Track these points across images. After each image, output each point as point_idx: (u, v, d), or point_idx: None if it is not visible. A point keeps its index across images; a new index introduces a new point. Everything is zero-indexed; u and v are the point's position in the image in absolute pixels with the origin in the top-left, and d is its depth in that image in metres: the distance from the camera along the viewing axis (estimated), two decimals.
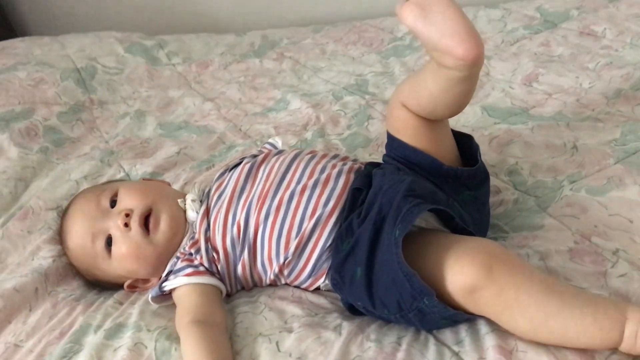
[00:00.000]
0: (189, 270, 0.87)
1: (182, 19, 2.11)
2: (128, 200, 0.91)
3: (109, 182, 1.07)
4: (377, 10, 1.88)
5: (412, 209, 0.73)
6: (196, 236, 0.90)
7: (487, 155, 1.04)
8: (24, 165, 1.29)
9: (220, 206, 0.90)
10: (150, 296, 0.88)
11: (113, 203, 0.92)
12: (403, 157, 0.85)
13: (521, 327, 0.69)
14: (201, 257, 0.88)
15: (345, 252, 0.80)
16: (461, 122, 1.17)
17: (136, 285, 0.94)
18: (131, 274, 0.92)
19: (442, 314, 0.71)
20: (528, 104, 1.19)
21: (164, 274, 0.89)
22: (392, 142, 0.87)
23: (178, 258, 0.90)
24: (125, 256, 0.89)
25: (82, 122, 1.48)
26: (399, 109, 0.83)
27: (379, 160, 1.11)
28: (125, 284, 0.93)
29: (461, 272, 0.68)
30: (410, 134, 0.84)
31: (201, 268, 0.88)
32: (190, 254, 0.89)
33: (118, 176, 1.24)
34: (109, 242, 0.90)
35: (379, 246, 0.75)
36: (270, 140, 1.05)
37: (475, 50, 0.68)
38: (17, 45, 1.77)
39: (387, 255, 0.72)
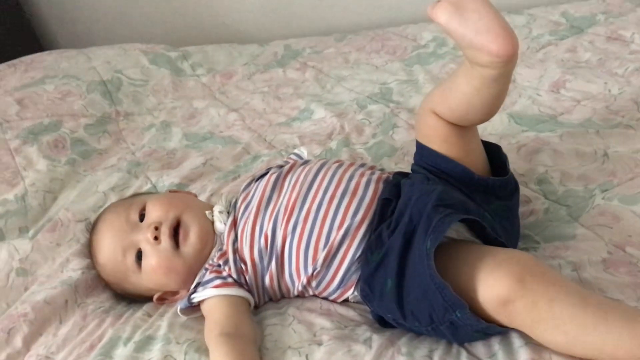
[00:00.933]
0: (218, 281, 0.87)
1: (204, 30, 2.13)
2: (156, 213, 0.91)
3: (135, 195, 1.07)
4: (400, 18, 1.87)
5: (443, 219, 0.72)
6: (224, 247, 0.91)
7: (516, 163, 1.03)
8: (52, 177, 1.30)
9: (248, 217, 0.90)
10: (179, 308, 0.89)
11: (142, 217, 0.93)
12: (434, 165, 0.84)
13: (555, 341, 0.67)
14: (229, 269, 0.88)
15: (375, 263, 0.79)
16: (488, 130, 1.16)
17: (165, 298, 0.94)
18: (161, 287, 0.92)
19: (474, 327, 0.70)
20: (556, 111, 1.17)
21: (192, 286, 0.89)
22: (422, 151, 0.86)
23: (206, 269, 0.90)
24: (155, 269, 0.90)
25: (109, 133, 1.50)
26: (429, 116, 0.82)
27: (406, 169, 1.11)
28: (155, 297, 0.93)
29: (493, 284, 0.67)
30: (440, 142, 0.83)
31: (229, 279, 0.88)
32: (219, 266, 0.89)
33: (145, 188, 1.25)
34: (139, 256, 0.91)
35: (409, 257, 0.75)
36: (295, 151, 1.05)
37: (510, 46, 0.68)
38: (44, 58, 1.79)
39: (419, 267, 0.71)
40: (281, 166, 0.97)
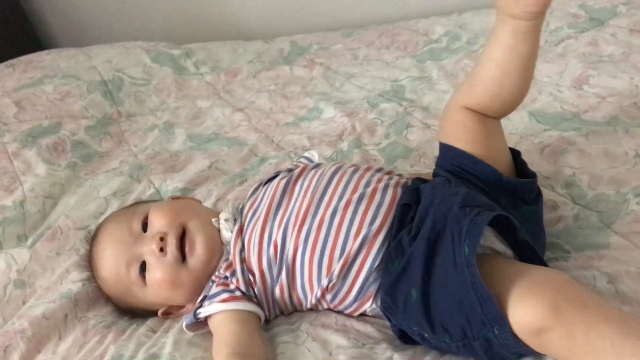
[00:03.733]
0: (225, 295, 0.82)
1: (207, 26, 2.07)
2: (160, 223, 0.86)
3: (137, 203, 1.02)
4: (409, 12, 1.81)
5: (475, 219, 0.67)
6: (230, 257, 0.85)
7: (540, 165, 0.97)
8: (52, 182, 1.25)
9: (255, 224, 0.85)
10: (184, 324, 0.83)
11: (145, 227, 0.87)
12: (460, 166, 0.80)
13: None
14: (237, 281, 0.83)
15: (397, 273, 0.74)
16: (508, 129, 1.09)
17: (171, 312, 0.89)
18: (167, 301, 0.87)
19: (511, 348, 0.64)
20: (579, 108, 1.11)
21: (198, 300, 0.84)
22: (447, 152, 0.81)
23: (213, 282, 0.85)
24: (160, 283, 0.84)
25: (110, 135, 1.44)
26: (457, 112, 0.80)
27: (422, 171, 1.06)
28: (160, 312, 0.88)
29: (525, 311, 0.61)
30: (468, 140, 0.79)
31: (237, 293, 0.82)
32: (226, 278, 0.84)
33: (148, 192, 1.19)
34: (142, 268, 0.85)
35: (435, 265, 0.70)
36: (305, 154, 0.99)
37: None
38: (43, 58, 1.74)
39: (453, 275, 0.66)
40: (291, 170, 0.92)
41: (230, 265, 0.84)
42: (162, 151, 1.36)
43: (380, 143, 1.19)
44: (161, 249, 0.84)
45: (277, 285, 0.82)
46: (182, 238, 0.85)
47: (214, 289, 0.83)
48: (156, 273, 0.84)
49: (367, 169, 0.86)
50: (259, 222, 0.84)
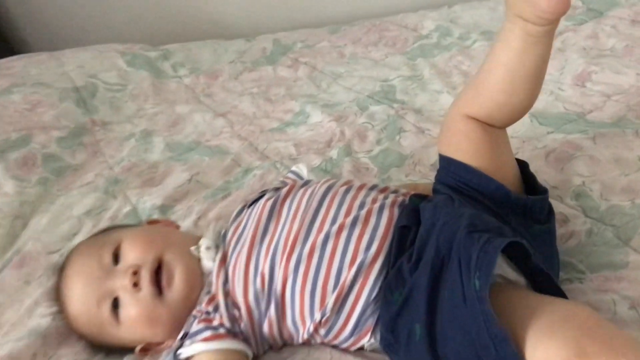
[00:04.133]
0: (208, 333, 0.74)
1: (186, 25, 1.98)
2: (134, 254, 0.78)
3: (108, 229, 0.93)
4: (397, 7, 1.73)
5: (486, 247, 0.60)
6: (213, 290, 0.77)
7: (546, 173, 0.90)
8: (21, 201, 1.16)
9: (240, 253, 0.77)
10: None
11: (117, 258, 0.79)
12: (464, 182, 0.73)
13: None
14: (221, 317, 0.75)
15: (398, 306, 0.67)
16: (508, 132, 1.02)
17: (149, 348, 0.81)
18: (144, 338, 0.79)
19: None
20: (584, 108, 1.04)
21: (179, 336, 0.76)
22: (449, 166, 0.74)
23: (195, 317, 0.77)
24: (136, 321, 0.76)
25: (84, 146, 1.35)
26: (460, 121, 0.72)
27: (418, 181, 0.99)
28: (137, 349, 0.80)
29: (547, 354, 0.54)
30: (472, 152, 0.72)
31: (221, 330, 0.74)
32: (208, 313, 0.76)
33: (124, 210, 1.11)
34: (115, 304, 0.77)
35: (441, 297, 0.63)
36: (293, 169, 0.91)
37: (562, 4, 0.61)
38: (12, 64, 1.64)
39: (463, 311, 0.59)
40: (278, 189, 0.84)
41: (212, 299, 0.76)
42: (139, 162, 1.27)
43: (372, 150, 1.12)
44: (135, 284, 0.75)
45: (266, 320, 0.75)
46: (158, 270, 0.77)
47: (196, 326, 0.75)
48: (130, 310, 0.76)
49: (360, 188, 0.78)
50: (244, 250, 0.76)
